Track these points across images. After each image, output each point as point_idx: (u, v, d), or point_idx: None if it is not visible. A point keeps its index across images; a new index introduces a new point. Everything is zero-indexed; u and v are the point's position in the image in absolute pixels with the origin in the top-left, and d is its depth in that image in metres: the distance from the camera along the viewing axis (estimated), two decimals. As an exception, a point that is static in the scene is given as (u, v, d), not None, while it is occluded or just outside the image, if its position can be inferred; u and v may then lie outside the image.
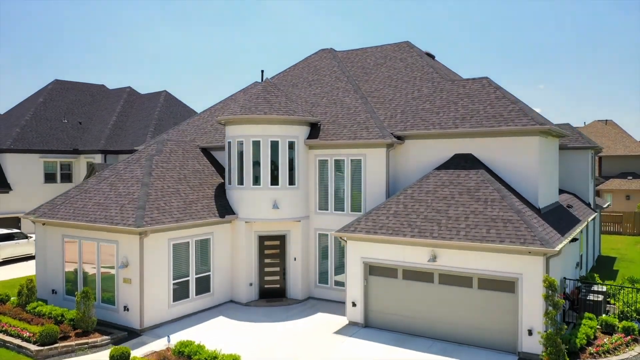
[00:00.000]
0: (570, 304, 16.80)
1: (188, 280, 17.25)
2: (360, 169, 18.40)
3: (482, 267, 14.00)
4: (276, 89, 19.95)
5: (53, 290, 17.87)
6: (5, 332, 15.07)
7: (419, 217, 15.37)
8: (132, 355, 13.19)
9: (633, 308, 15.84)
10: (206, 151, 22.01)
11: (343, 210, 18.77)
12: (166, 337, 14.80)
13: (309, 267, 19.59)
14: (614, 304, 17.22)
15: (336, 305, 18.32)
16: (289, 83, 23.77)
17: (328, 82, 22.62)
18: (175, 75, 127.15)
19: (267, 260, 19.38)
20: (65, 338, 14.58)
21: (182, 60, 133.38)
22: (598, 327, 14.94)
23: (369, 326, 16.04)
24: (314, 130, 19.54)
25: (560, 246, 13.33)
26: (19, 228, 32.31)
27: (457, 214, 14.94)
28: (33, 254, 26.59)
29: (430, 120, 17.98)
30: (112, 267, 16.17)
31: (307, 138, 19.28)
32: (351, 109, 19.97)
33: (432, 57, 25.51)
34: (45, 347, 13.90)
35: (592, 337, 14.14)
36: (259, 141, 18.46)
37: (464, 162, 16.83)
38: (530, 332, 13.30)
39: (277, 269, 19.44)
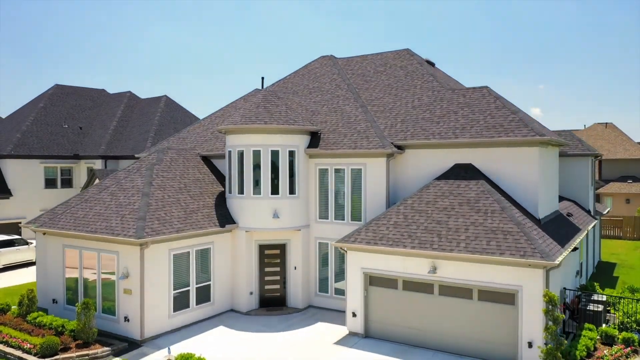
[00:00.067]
0: (571, 314, 16.81)
1: (188, 290, 17.27)
2: (360, 178, 18.42)
3: (482, 278, 14.02)
4: (276, 98, 19.97)
5: (54, 300, 17.88)
6: (6, 344, 15.09)
7: (419, 228, 15.39)
8: (132, 368, 13.23)
9: (633, 319, 15.85)
10: (207, 159, 22.02)
11: (343, 219, 18.80)
12: (167, 349, 14.83)
13: (309, 276, 19.61)
14: (614, 314, 17.22)
15: (336, 314, 18.34)
16: (289, 90, 23.78)
17: (328, 90, 22.65)
18: (175, 79, 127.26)
19: (267, 269, 19.40)
20: (66, 349, 14.59)
21: (182, 64, 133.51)
22: (598, 338, 14.95)
23: (370, 337, 16.05)
24: (314, 139, 19.56)
25: (560, 258, 13.34)
26: (20, 234, 32.31)
27: (457, 225, 14.96)
28: (34, 260, 26.63)
29: (431, 129, 18.01)
30: (113, 276, 16.20)
31: (308, 147, 19.30)
32: (351, 118, 20.00)
33: (432, 64, 25.54)
34: (46, 359, 13.94)
35: (592, 348, 14.14)
36: (260, 150, 18.49)
37: (464, 172, 16.85)
38: (530, 345, 13.30)
39: (278, 277, 19.46)
